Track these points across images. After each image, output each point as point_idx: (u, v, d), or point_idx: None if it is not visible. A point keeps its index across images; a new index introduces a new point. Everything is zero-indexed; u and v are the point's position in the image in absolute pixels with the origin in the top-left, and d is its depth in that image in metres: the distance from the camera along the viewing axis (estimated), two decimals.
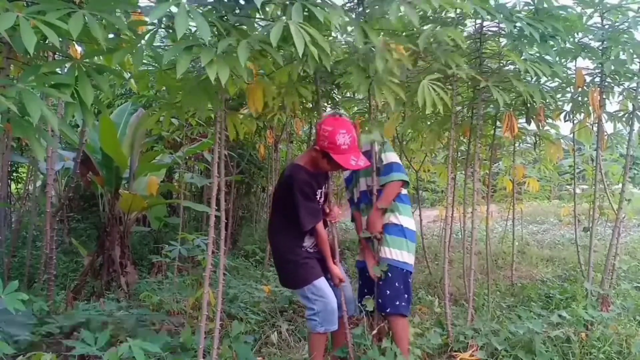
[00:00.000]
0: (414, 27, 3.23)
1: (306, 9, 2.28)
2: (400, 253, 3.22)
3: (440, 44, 3.10)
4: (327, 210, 3.21)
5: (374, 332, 3.25)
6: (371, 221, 3.25)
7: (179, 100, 2.92)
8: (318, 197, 3.08)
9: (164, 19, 2.34)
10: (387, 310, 3.21)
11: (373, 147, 3.26)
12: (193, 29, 2.41)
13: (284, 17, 2.31)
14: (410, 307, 3.31)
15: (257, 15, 2.59)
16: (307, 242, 3.12)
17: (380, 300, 3.23)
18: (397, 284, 3.21)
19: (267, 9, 2.53)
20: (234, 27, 2.36)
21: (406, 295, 3.25)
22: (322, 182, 3.09)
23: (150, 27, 2.40)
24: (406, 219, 3.28)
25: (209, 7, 2.42)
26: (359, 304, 3.37)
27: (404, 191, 3.33)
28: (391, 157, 3.27)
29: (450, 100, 3.15)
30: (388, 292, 3.21)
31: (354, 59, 2.88)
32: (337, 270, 3.13)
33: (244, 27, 2.46)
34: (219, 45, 2.13)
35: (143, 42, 2.36)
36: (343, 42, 3.34)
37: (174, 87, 2.86)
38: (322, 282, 3.04)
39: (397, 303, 3.20)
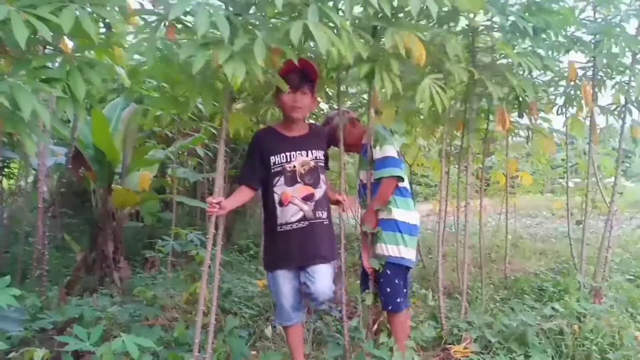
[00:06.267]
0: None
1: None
2: (396, 249, 3.19)
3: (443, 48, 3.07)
4: (340, 199, 3.06)
5: (374, 326, 3.26)
6: (365, 218, 3.24)
7: (181, 93, 2.90)
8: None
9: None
10: (389, 308, 3.21)
11: (369, 140, 3.22)
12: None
13: None
14: (407, 299, 3.32)
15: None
16: (282, 219, 2.86)
17: (382, 297, 3.23)
18: (396, 281, 3.20)
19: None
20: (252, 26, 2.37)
21: (405, 290, 3.25)
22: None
23: (149, 19, 2.39)
24: (402, 213, 3.23)
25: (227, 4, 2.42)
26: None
27: (404, 183, 3.29)
28: (387, 150, 3.20)
29: (448, 98, 3.13)
30: (388, 289, 3.20)
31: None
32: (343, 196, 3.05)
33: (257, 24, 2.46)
34: (235, 43, 2.12)
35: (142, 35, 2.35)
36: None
37: (176, 80, 2.85)
38: (277, 276, 2.93)
39: (399, 300, 3.20)
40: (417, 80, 2.93)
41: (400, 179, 3.23)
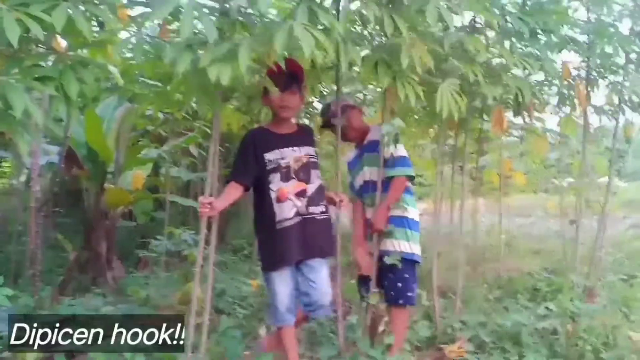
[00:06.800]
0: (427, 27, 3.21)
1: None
2: (408, 245, 3.26)
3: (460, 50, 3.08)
4: (336, 199, 3.05)
5: (379, 327, 3.25)
6: (378, 217, 3.23)
7: (171, 90, 2.89)
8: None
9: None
10: (400, 302, 3.24)
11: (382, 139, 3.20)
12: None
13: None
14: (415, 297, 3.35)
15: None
16: (280, 215, 2.82)
17: (392, 292, 3.25)
18: (406, 275, 3.25)
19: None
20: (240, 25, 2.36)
21: (414, 285, 3.30)
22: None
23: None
24: (412, 210, 3.33)
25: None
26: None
27: (409, 183, 3.34)
28: (400, 149, 3.23)
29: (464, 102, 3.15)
30: (400, 284, 3.23)
31: (379, 53, 2.86)
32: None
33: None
34: (221, 46, 2.11)
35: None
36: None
37: (167, 78, 2.84)
38: (274, 278, 2.88)
39: (410, 294, 3.26)
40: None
41: (412, 177, 3.29)
